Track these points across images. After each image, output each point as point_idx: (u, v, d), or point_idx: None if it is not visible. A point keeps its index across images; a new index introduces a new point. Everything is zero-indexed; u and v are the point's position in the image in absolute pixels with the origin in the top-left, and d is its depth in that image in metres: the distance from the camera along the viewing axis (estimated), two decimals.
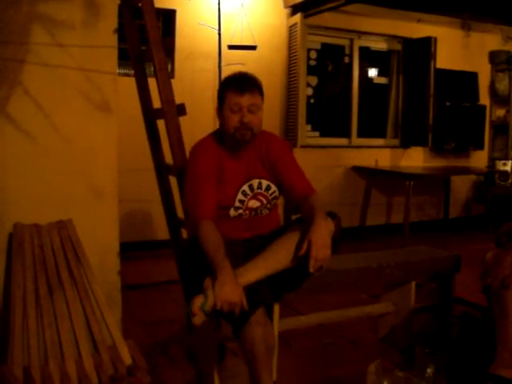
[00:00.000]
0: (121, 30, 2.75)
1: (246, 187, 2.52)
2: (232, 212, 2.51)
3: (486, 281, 2.47)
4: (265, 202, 2.56)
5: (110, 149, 2.59)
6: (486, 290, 2.59)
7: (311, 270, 2.20)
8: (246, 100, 2.45)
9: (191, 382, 2.73)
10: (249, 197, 2.52)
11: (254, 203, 2.53)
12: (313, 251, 2.19)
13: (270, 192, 2.57)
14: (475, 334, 2.78)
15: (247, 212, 2.53)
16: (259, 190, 2.55)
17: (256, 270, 2.23)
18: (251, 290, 2.17)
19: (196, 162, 2.53)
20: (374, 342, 3.19)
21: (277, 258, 2.28)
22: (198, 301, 2.12)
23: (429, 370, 2.08)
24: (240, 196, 2.51)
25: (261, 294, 2.22)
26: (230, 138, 2.50)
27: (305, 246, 2.22)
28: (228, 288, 2.11)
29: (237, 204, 2.51)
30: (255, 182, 2.54)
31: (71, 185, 2.51)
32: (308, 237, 2.22)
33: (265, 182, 2.56)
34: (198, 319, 2.12)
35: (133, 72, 3.46)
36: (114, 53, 2.58)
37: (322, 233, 2.24)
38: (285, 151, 2.64)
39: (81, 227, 2.43)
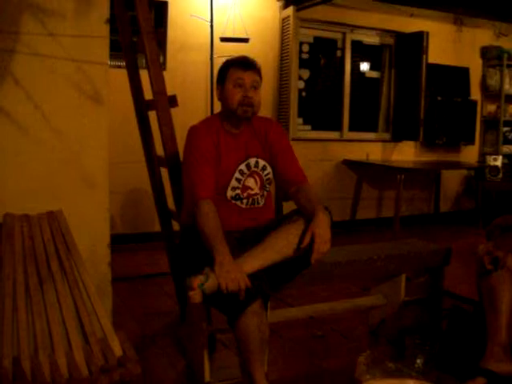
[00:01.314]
0: (113, 22, 2.73)
1: (243, 166, 2.56)
2: (229, 192, 2.52)
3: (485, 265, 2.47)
4: (259, 183, 2.58)
5: (100, 140, 2.57)
6: (479, 283, 2.60)
7: (313, 261, 2.25)
8: (248, 76, 2.52)
9: (182, 373, 2.73)
10: (246, 175, 2.56)
11: (250, 182, 2.55)
12: (316, 244, 2.22)
13: (266, 173, 2.61)
14: (465, 327, 2.79)
15: (245, 194, 2.54)
16: (255, 169, 2.59)
17: (255, 261, 2.24)
18: (249, 281, 2.18)
19: (195, 144, 2.55)
20: (365, 335, 3.20)
21: (276, 249, 2.29)
22: (199, 278, 2.12)
23: (418, 361, 2.09)
24: (237, 174, 2.54)
25: (259, 284, 2.22)
26: (231, 115, 2.54)
27: (308, 239, 2.23)
28: (228, 267, 2.13)
29: (234, 183, 2.52)
30: (252, 161, 2.58)
31: (61, 175, 2.49)
32: (312, 229, 2.25)
33: (261, 162, 2.60)
34: (196, 296, 2.11)
35: (124, 64, 3.45)
36: (106, 43, 2.56)
37: (325, 226, 2.27)
38: (283, 137, 2.70)
39: (71, 218, 2.42)
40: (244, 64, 2.55)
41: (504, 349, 2.40)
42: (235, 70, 2.54)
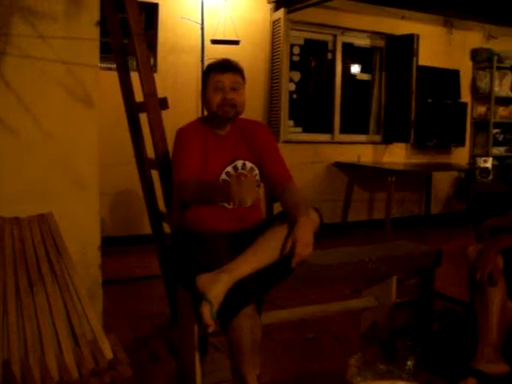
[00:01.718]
0: (103, 24, 2.73)
1: (230, 168, 2.58)
2: None
3: (476, 277, 2.47)
4: (257, 191, 2.59)
5: (91, 142, 2.57)
6: (470, 285, 2.61)
7: (293, 265, 2.23)
8: (227, 78, 2.55)
9: (173, 376, 2.72)
10: (233, 177, 2.55)
11: None
12: (297, 248, 2.21)
13: (253, 174, 2.62)
14: (456, 329, 2.80)
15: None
16: (243, 171, 2.60)
17: (247, 264, 2.23)
18: (241, 285, 2.17)
19: (182, 142, 2.59)
20: (356, 337, 3.20)
21: (267, 252, 2.28)
22: (207, 310, 2.10)
23: (409, 363, 2.09)
24: (224, 176, 2.56)
25: (251, 288, 2.22)
26: (214, 118, 2.57)
27: (289, 246, 2.24)
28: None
29: None
30: (239, 163, 2.60)
31: (52, 178, 2.48)
32: (292, 236, 2.24)
33: (249, 164, 2.62)
34: (212, 327, 2.11)
35: (115, 66, 3.45)
36: (96, 45, 2.56)
37: (306, 231, 2.26)
38: (270, 138, 2.73)
39: (62, 220, 2.41)
40: (222, 66, 2.58)
41: (495, 349, 2.40)
42: (214, 74, 2.57)
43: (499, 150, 7.51)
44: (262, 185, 2.73)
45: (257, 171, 2.64)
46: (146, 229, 3.64)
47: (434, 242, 5.27)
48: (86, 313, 2.29)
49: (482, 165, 7.00)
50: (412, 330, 3.01)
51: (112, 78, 3.51)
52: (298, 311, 3.02)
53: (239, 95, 2.58)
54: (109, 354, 2.23)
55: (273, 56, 5.95)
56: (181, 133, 2.63)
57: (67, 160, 2.51)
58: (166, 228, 3.21)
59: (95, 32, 2.53)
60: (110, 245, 4.17)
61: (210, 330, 2.11)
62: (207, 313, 2.09)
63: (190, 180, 2.46)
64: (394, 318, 3.03)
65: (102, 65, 4.00)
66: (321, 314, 3.08)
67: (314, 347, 3.10)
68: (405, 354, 2.12)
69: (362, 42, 6.76)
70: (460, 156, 7.43)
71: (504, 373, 2.38)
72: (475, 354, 2.42)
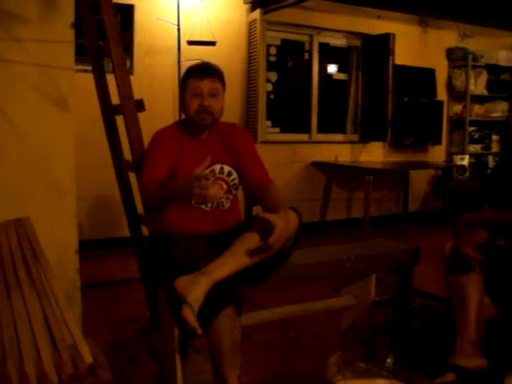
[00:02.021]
0: (78, 25, 2.71)
1: (207, 172, 2.54)
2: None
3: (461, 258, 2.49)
4: (225, 187, 2.59)
5: (67, 145, 2.55)
6: (448, 281, 2.63)
7: (271, 241, 2.21)
8: (206, 84, 2.52)
9: (154, 379, 2.71)
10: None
11: (214, 187, 2.54)
12: (277, 230, 2.20)
13: (232, 178, 2.61)
14: (434, 325, 2.82)
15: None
16: (221, 175, 2.59)
17: (226, 266, 2.22)
18: (220, 286, 2.17)
19: (155, 145, 2.59)
20: (336, 336, 3.21)
21: (246, 254, 2.27)
22: (190, 313, 2.09)
23: (389, 360, 2.11)
24: None
25: (231, 289, 2.22)
26: (192, 123, 2.55)
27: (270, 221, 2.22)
28: (193, 183, 2.16)
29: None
30: (217, 167, 2.58)
31: (28, 182, 2.46)
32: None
33: (226, 168, 2.61)
34: (199, 329, 2.10)
35: (91, 68, 3.42)
36: (71, 48, 2.54)
37: (287, 226, 2.26)
38: (247, 141, 2.72)
39: (38, 224, 2.39)
40: (202, 72, 2.55)
41: (473, 344, 2.43)
42: (193, 79, 2.55)
43: (475, 148, 7.59)
44: (240, 187, 2.73)
45: (235, 175, 2.63)
46: (125, 231, 3.61)
47: (411, 240, 5.32)
48: (64, 317, 2.27)
49: (459, 162, 7.08)
50: (391, 327, 3.03)
51: (88, 81, 3.48)
52: (279, 311, 3.02)
53: (217, 102, 2.55)
54: (88, 358, 2.21)
55: (249, 57, 5.95)
56: (156, 136, 2.62)
57: (43, 163, 2.49)
58: (145, 230, 3.20)
59: (70, 34, 2.52)
60: (88, 248, 4.16)
61: (198, 332, 2.10)
62: (191, 316, 2.08)
63: (152, 182, 2.45)
64: (373, 316, 3.04)
65: (78, 67, 3.97)
66: (301, 313, 3.09)
67: (294, 347, 3.10)
68: (384, 351, 2.14)
69: (339, 41, 6.79)
70: (437, 154, 7.49)
71: (482, 367, 2.41)
72: (454, 350, 2.44)
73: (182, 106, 2.62)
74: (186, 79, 2.60)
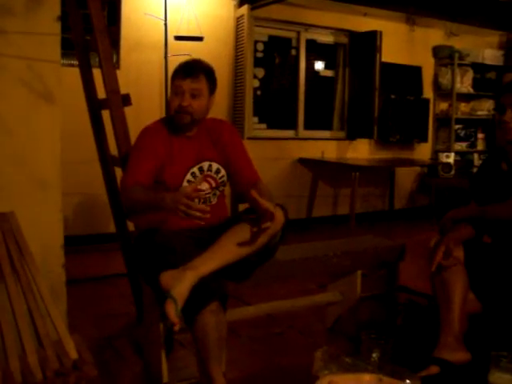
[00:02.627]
0: (65, 20, 2.69)
1: (195, 169, 2.56)
2: None
3: (433, 266, 2.52)
4: (213, 184, 2.59)
5: (53, 140, 2.53)
6: (432, 277, 2.65)
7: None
8: (187, 84, 2.51)
9: (139, 374, 2.71)
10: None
11: (203, 185, 2.55)
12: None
13: (220, 176, 2.62)
14: (419, 321, 2.84)
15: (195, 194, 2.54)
16: (209, 173, 2.59)
17: (212, 261, 2.23)
18: (205, 281, 2.17)
19: (140, 141, 2.58)
20: (322, 332, 3.22)
21: (232, 249, 2.28)
22: (171, 308, 2.08)
23: (374, 355, 2.11)
24: (189, 177, 2.54)
25: (216, 284, 2.22)
26: (174, 121, 2.55)
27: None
28: (174, 197, 2.18)
29: (185, 184, 2.52)
30: (205, 165, 2.58)
31: (13, 177, 2.44)
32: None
33: (215, 165, 2.61)
34: (178, 325, 2.10)
35: (77, 62, 3.40)
36: (57, 41, 2.52)
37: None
38: (236, 138, 2.72)
39: (23, 219, 2.37)
40: (185, 71, 2.54)
41: (457, 338, 2.45)
42: (177, 78, 2.54)
43: (461, 146, 7.63)
44: (228, 184, 2.73)
45: (223, 172, 2.63)
46: (111, 227, 3.60)
47: (397, 237, 5.33)
48: (49, 313, 2.26)
49: (445, 160, 7.13)
50: (377, 323, 3.05)
51: (74, 75, 3.46)
52: (264, 307, 3.03)
53: (198, 102, 2.53)
54: (73, 353, 2.20)
55: (237, 52, 5.94)
56: (144, 132, 2.61)
57: (29, 158, 2.47)
58: (131, 226, 3.18)
59: (56, 27, 2.50)
60: (73, 244, 4.14)
61: (176, 328, 2.10)
62: (172, 311, 2.08)
63: (137, 187, 2.43)
64: (359, 311, 3.06)
65: (64, 61, 3.94)
66: (287, 309, 3.10)
67: (280, 342, 3.11)
68: (370, 346, 2.14)
69: (326, 38, 6.80)
70: (423, 151, 7.52)
71: (466, 361, 2.43)
72: (437, 343, 2.46)
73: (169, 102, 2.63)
74: (173, 76, 2.59)
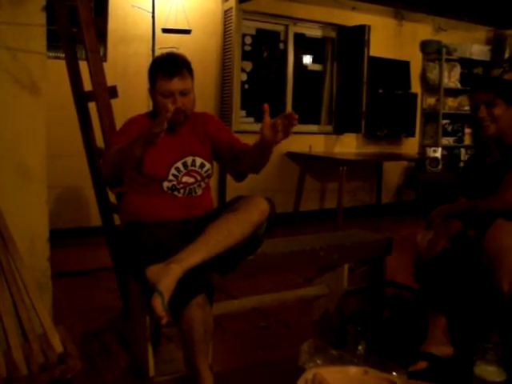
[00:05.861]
0: (51, 12, 2.66)
1: (179, 164, 2.55)
2: (166, 183, 2.52)
3: (419, 263, 2.53)
4: (199, 178, 2.59)
5: (38, 132, 2.51)
6: (417, 272, 2.66)
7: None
8: (175, 85, 2.48)
9: (126, 368, 2.70)
10: (182, 173, 2.56)
11: (187, 179, 2.55)
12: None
13: (204, 170, 2.62)
14: (405, 315, 2.85)
15: (181, 186, 2.53)
16: (193, 168, 2.58)
17: (197, 254, 2.21)
18: (192, 274, 2.16)
19: (125, 126, 2.58)
20: (308, 325, 3.22)
21: (218, 240, 2.27)
22: (158, 302, 2.07)
23: (360, 348, 2.13)
24: (173, 171, 2.54)
25: (202, 277, 2.21)
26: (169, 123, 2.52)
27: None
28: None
29: (170, 177, 2.52)
30: (189, 159, 2.57)
31: None
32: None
33: (199, 160, 2.60)
34: (165, 319, 2.09)
35: (63, 55, 3.37)
36: (43, 32, 2.49)
37: None
38: (220, 124, 2.77)
39: (8, 212, 2.35)
40: (169, 71, 2.48)
41: (444, 333, 2.46)
42: (161, 81, 2.48)
43: (448, 141, 7.66)
44: (213, 176, 2.73)
45: (208, 166, 2.63)
46: (97, 220, 3.58)
47: (384, 231, 5.36)
48: (34, 306, 2.24)
49: (432, 155, 7.16)
50: (363, 316, 3.06)
51: (60, 67, 3.44)
52: (251, 300, 3.02)
53: (188, 99, 2.52)
54: (59, 347, 2.19)
55: (224, 46, 5.92)
56: (129, 121, 2.61)
57: (13, 150, 2.45)
58: (117, 219, 3.17)
59: (41, 18, 2.47)
60: (59, 237, 4.11)
61: (163, 322, 2.09)
62: (159, 305, 2.07)
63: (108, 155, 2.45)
64: (345, 305, 3.07)
65: (50, 53, 3.92)
66: (273, 302, 3.09)
67: (266, 336, 3.11)
68: (356, 339, 2.16)
69: (314, 32, 6.79)
70: (410, 146, 7.55)
71: (453, 355, 2.44)
72: (426, 338, 2.47)
73: (153, 100, 2.57)
74: (153, 75, 2.54)
